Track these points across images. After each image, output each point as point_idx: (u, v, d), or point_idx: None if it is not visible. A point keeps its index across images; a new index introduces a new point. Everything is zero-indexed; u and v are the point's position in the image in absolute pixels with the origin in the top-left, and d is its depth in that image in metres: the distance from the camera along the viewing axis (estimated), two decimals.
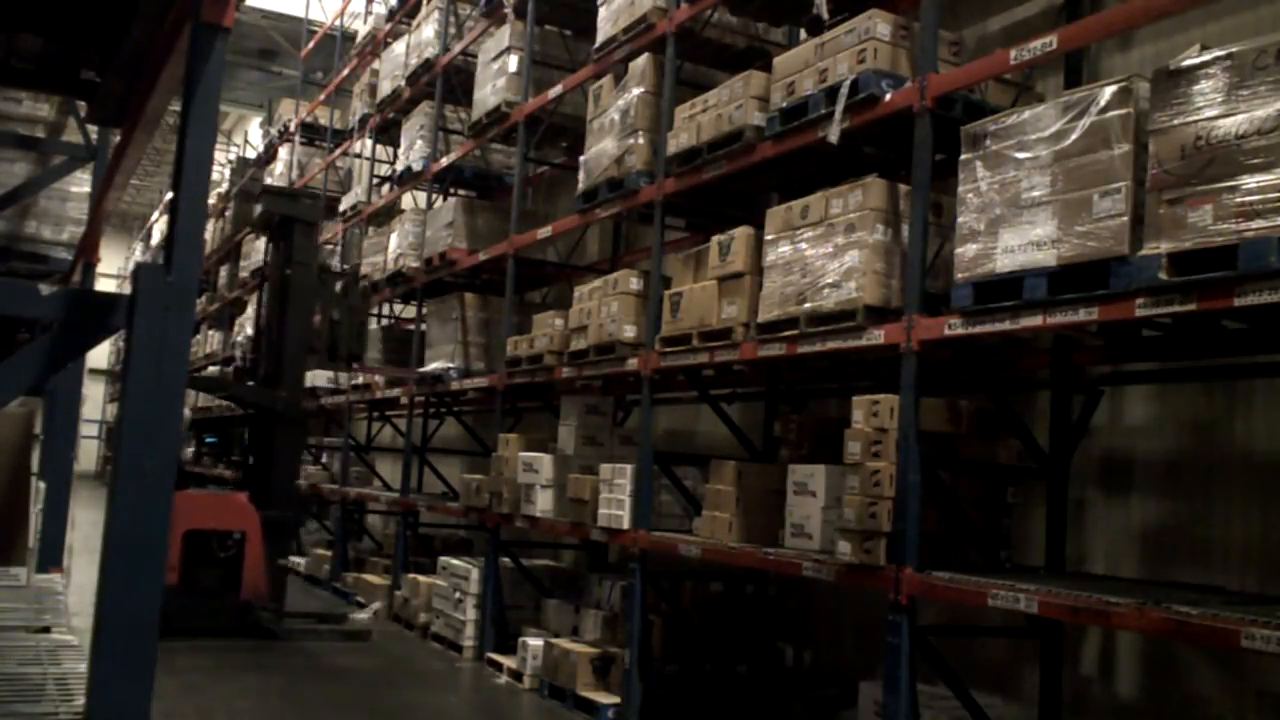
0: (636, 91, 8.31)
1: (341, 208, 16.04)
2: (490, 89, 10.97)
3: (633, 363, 7.96)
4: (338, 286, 11.74)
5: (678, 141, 7.64)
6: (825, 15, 6.86)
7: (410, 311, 13.19)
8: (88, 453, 38.39)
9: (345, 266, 16.47)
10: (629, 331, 8.07)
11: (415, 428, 13.18)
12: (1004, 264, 5.14)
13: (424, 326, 12.25)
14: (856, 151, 6.83)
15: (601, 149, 8.72)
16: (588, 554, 10.87)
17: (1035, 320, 4.97)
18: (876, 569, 5.58)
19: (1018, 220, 5.12)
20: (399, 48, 13.96)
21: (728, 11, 8.42)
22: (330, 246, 17.03)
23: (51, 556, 6.76)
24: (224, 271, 23.49)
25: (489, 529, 9.84)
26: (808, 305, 6.26)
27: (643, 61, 8.35)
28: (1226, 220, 4.22)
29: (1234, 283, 4.18)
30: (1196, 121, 4.39)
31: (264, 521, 10.15)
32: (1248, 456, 5.60)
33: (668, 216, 8.26)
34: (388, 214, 14.57)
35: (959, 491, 6.04)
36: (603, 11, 9.08)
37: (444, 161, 12.44)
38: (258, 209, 11.83)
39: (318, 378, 15.79)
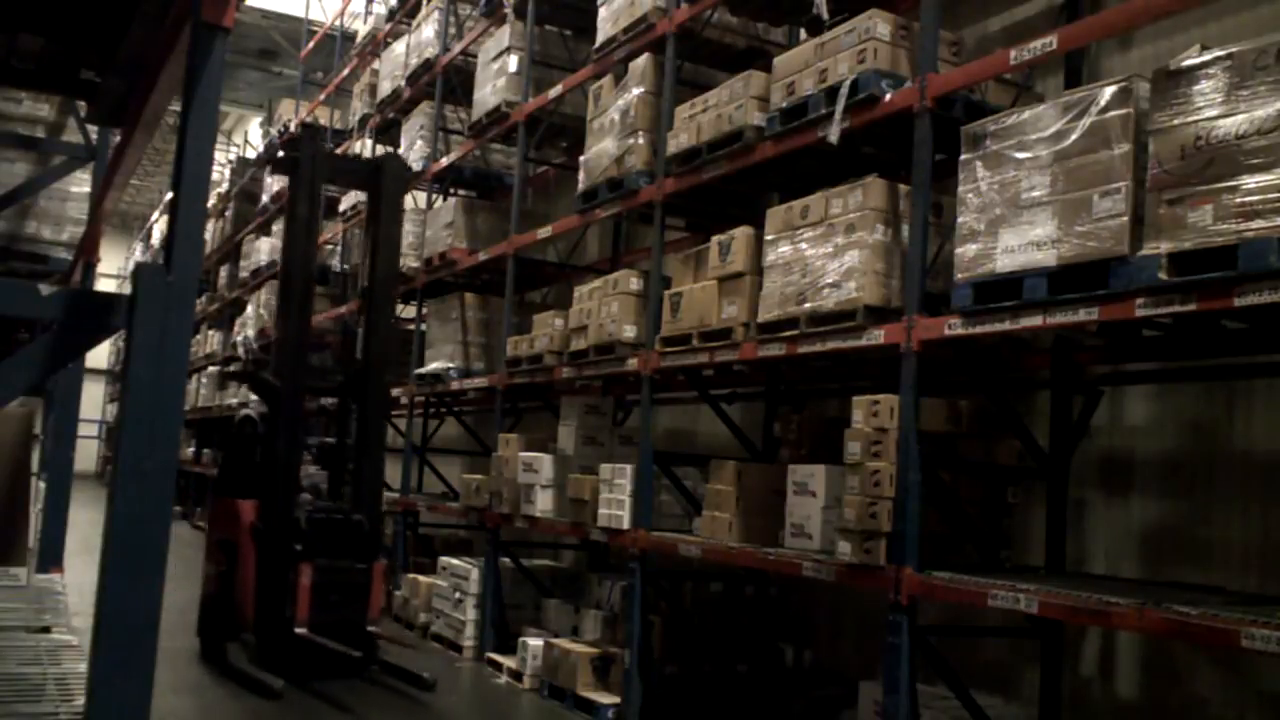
0: (636, 91, 8.30)
1: (341, 208, 16.02)
2: (490, 89, 10.97)
3: (633, 363, 7.95)
4: None
5: (678, 141, 7.64)
6: (825, 15, 6.86)
7: (410, 311, 13.19)
8: (88, 453, 38.35)
9: (345, 266, 16.48)
10: (629, 331, 8.07)
11: (415, 428, 13.18)
12: (1004, 264, 5.14)
13: (424, 326, 12.25)
14: (856, 151, 6.83)
15: (601, 149, 8.71)
16: (588, 554, 10.87)
17: (1035, 320, 4.96)
18: (876, 569, 5.58)
19: (1018, 220, 5.12)
20: (399, 48, 13.95)
21: (728, 11, 8.41)
22: (330, 246, 17.03)
23: (51, 556, 6.77)
24: (224, 271, 23.47)
25: (489, 529, 9.84)
26: (808, 305, 6.26)
27: (643, 61, 8.35)
28: (1226, 220, 4.22)
29: (1234, 283, 4.17)
30: (1196, 121, 4.39)
31: (253, 531, 8.60)
32: (1248, 456, 5.60)
33: (668, 216, 8.26)
34: None
35: (959, 491, 6.04)
36: (603, 11, 9.07)
37: (444, 161, 12.44)
38: None
39: None
